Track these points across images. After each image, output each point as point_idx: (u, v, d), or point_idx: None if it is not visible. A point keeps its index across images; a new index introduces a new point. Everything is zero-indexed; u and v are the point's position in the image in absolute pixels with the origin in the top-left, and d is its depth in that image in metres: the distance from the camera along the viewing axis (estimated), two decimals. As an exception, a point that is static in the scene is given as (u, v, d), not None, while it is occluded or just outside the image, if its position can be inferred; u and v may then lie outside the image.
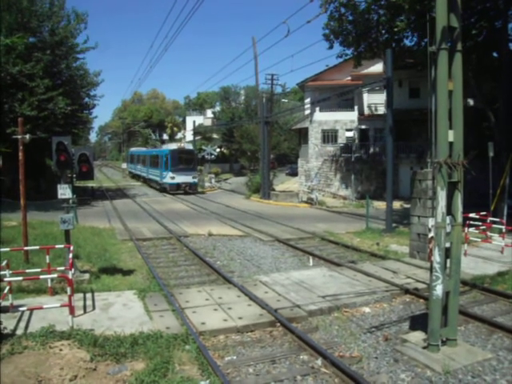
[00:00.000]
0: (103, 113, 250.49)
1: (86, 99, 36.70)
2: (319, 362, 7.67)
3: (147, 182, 52.94)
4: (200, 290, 11.43)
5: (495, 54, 23.82)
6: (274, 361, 7.82)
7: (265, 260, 15.45)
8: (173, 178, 41.39)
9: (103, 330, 8.37)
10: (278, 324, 9.29)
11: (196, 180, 43.31)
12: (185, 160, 42.46)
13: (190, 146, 46.91)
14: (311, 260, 14.82)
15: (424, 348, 8.06)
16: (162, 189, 43.84)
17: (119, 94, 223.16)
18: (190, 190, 41.97)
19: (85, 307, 9.73)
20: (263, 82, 45.05)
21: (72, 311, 8.62)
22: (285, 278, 12.54)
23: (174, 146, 46.00)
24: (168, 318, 9.32)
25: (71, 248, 10.59)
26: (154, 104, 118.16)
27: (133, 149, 76.45)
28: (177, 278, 13.25)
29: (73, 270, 9.68)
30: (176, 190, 41.40)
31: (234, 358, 7.96)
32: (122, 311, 9.66)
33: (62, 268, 10.64)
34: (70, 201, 11.73)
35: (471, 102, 29.05)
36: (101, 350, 7.55)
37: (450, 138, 7.81)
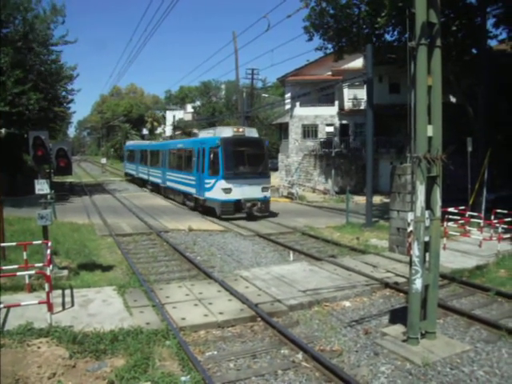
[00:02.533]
0: (82, 107, 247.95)
1: (63, 93, 36.08)
2: (300, 356, 7.69)
3: (164, 191, 33.20)
4: (180, 286, 11.37)
5: (475, 51, 24.08)
6: (255, 355, 7.82)
7: (245, 255, 15.44)
8: (228, 190, 22.51)
9: (82, 327, 8.26)
10: (259, 319, 9.29)
11: (268, 194, 24.06)
12: (249, 157, 23.53)
13: (252, 132, 25.12)
14: (291, 255, 14.85)
15: (404, 341, 8.14)
16: (203, 208, 24.33)
17: (98, 89, 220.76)
18: (258, 211, 22.97)
19: (63, 304, 9.59)
20: (244, 77, 44.94)
21: (50, 308, 8.50)
22: (265, 273, 12.55)
23: (224, 130, 24.40)
24: (148, 314, 9.25)
25: (49, 244, 10.42)
26: (133, 98, 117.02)
27: (131, 142, 58.83)
28: (157, 273, 13.17)
29: (51, 266, 9.53)
30: (233, 212, 22.57)
31: (215, 353, 7.94)
32: (101, 307, 9.56)
33: (40, 264, 10.50)
34: (48, 196, 11.56)
35: (451, 97, 29.35)
36: (80, 347, 7.47)
37: (429, 133, 7.87)
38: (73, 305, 9.66)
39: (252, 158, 23.30)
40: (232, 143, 22.93)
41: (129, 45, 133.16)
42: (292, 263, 14.07)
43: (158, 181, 34.68)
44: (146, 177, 39.91)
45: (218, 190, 22.43)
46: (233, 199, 22.41)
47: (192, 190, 25.61)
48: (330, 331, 8.89)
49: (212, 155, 22.85)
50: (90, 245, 16.08)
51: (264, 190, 23.16)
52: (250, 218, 22.37)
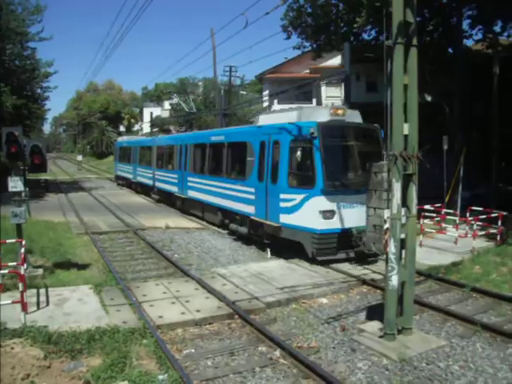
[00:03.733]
0: (57, 103, 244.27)
1: (38, 90, 35.49)
2: (277, 353, 7.72)
3: (182, 204, 23.79)
4: (157, 284, 11.32)
5: (451, 50, 24.37)
6: (233, 353, 7.83)
7: (223, 252, 15.40)
8: (329, 214, 13.27)
9: (58, 327, 8.16)
10: (237, 316, 9.31)
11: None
12: (360, 158, 14.24)
13: (355, 116, 14.86)
14: (269, 252, 14.86)
15: (380, 337, 8.23)
16: (273, 239, 14.89)
17: (73, 84, 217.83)
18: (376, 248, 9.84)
19: (38, 303, 9.46)
20: (222, 74, 44.77)
21: (24, 308, 8.37)
22: (243, 270, 12.55)
23: (314, 111, 14.98)
24: (125, 312, 9.19)
25: (23, 243, 10.24)
26: (111, 95, 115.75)
27: (125, 138, 48.16)
28: (134, 271, 13.07)
29: (25, 265, 9.37)
30: (336, 250, 13.42)
31: (193, 350, 7.93)
32: (77, 306, 9.46)
33: (14, 263, 10.31)
34: (22, 194, 11.37)
35: (427, 96, 29.66)
36: (55, 347, 7.38)
37: (406, 131, 7.95)
38: (48, 304, 9.53)
39: (364, 159, 13.52)
40: (335, 133, 14.05)
41: (105, 40, 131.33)
42: (270, 261, 14.10)
43: (172, 189, 24.97)
44: (149, 182, 30.30)
45: (312, 213, 13.07)
46: (337, 229, 13.11)
47: (246, 209, 15.98)
48: (307, 328, 8.94)
49: (299, 153, 13.73)
50: (66, 243, 15.85)
51: None
52: (361, 257, 13.42)
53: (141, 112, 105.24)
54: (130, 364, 7.01)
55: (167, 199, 26.43)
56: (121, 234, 18.34)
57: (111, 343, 7.63)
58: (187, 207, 23.06)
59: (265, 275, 12.04)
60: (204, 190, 20.14)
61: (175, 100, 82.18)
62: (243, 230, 16.52)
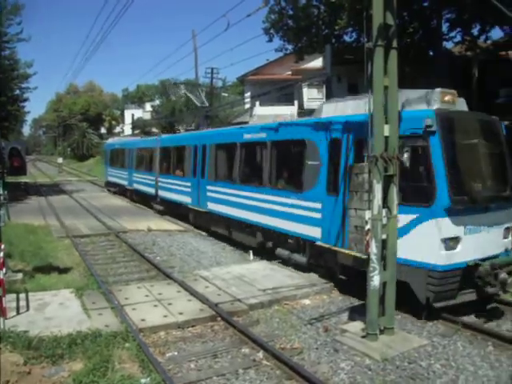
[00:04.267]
0: (37, 105, 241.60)
1: (17, 92, 35.03)
2: (261, 354, 7.72)
3: (199, 218, 19.48)
4: (140, 287, 11.24)
5: (431, 52, 24.67)
6: (216, 355, 7.81)
7: (205, 255, 15.36)
8: (453, 242, 9.11)
9: (39, 332, 8.03)
10: (219, 318, 9.28)
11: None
12: (487, 161, 10.36)
13: (463, 103, 10.34)
14: (251, 254, 14.86)
15: (363, 337, 8.28)
16: (346, 274, 11.14)
17: (53, 86, 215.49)
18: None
19: (18, 308, 9.31)
20: (203, 76, 44.68)
21: (4, 313, 8.25)
22: (225, 273, 12.52)
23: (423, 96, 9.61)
24: (107, 316, 9.11)
25: (2, 246, 10.05)
26: (91, 97, 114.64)
27: (116, 139, 42.98)
28: (116, 274, 12.97)
29: (4, 269, 9.23)
30: (457, 292, 9.27)
31: (176, 353, 7.89)
32: (58, 311, 9.34)
33: (-7, 268, 10.16)
34: (1, 197, 11.20)
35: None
36: (36, 353, 7.27)
37: (386, 133, 8.02)
38: (28, 309, 9.39)
39: (492, 163, 10.50)
40: (460, 127, 9.98)
41: (86, 42, 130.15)
42: (252, 262, 14.10)
43: (183, 199, 20.39)
44: (150, 190, 25.42)
45: (428, 242, 9.22)
46: (462, 263, 9.24)
47: (306, 231, 12.21)
48: (290, 329, 8.95)
49: (405, 156, 9.05)
50: (47, 247, 15.66)
51: (507, 232, 10.25)
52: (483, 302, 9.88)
53: (122, 114, 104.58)
54: (112, 368, 6.94)
55: (174, 211, 22.11)
56: (102, 237, 18.17)
57: (93, 347, 7.54)
58: (204, 222, 18.68)
59: (247, 277, 12.03)
60: (233, 202, 15.86)
61: (157, 102, 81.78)
62: (300, 258, 12.68)
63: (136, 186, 28.79)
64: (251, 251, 14.93)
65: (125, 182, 31.67)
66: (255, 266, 13.48)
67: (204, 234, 18.83)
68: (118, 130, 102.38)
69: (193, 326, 9.01)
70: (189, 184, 19.73)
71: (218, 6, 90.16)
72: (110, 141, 42.08)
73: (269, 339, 8.38)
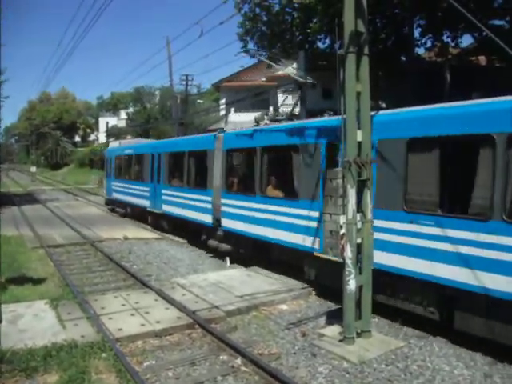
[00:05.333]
0: (8, 113, 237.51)
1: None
2: (239, 361, 7.71)
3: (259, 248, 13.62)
4: (116, 296, 11.12)
5: (404, 58, 25.06)
6: (194, 363, 7.76)
7: (182, 262, 15.30)
8: None
9: (12, 344, 7.87)
10: (197, 326, 9.23)
11: None
12: None
13: None
14: (228, 261, 14.85)
15: (340, 341, 8.33)
16: None
17: (25, 94, 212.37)
18: None
19: (-10, 321, 9.15)
20: (178, 83, 44.57)
21: (-24, 325, 8.08)
22: (202, 280, 12.49)
23: None
24: (83, 326, 8.97)
25: (-26, 258, 9.94)
26: (64, 104, 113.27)
27: (116, 144, 32.46)
28: (92, 284, 12.81)
29: (-24, 281, 9.08)
30: None
31: (153, 362, 7.82)
32: (32, 322, 9.17)
33: (-36, 280, 9.97)
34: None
35: (382, 103, 30.33)
36: (9, 366, 7.12)
37: (359, 138, 8.14)
38: (1, 321, 9.20)
39: None
40: None
41: (57, 49, 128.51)
42: (229, 269, 14.09)
43: (238, 227, 14.11)
44: (172, 210, 19.07)
45: None
46: None
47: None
48: (268, 335, 8.97)
49: None
50: (20, 257, 15.37)
51: None
52: None
53: (97, 122, 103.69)
54: (88, 379, 6.86)
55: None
56: (77, 247, 17.92)
57: (69, 358, 7.43)
58: (271, 253, 13.41)
59: (224, 284, 12.02)
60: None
61: (131, 109, 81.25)
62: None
63: (168, 208, 19.58)
64: (228, 258, 14.92)
65: (144, 203, 22.23)
66: (232, 272, 13.48)
67: (180, 241, 18.76)
68: (92, 137, 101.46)
69: (170, 334, 8.95)
70: (246, 205, 13.82)
71: (192, 13, 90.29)
72: (115, 145, 32.24)
73: (247, 345, 8.37)
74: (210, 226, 15.78)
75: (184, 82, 43.63)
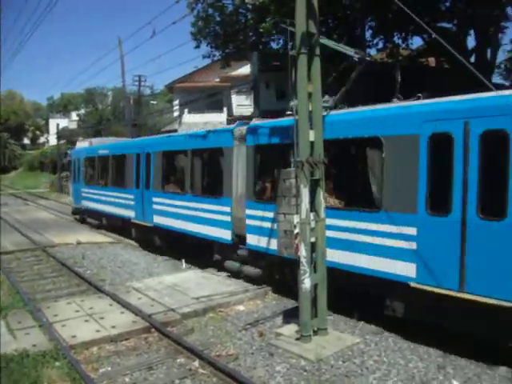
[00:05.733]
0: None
1: None
2: (196, 363, 7.68)
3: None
4: (70, 302, 10.86)
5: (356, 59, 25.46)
6: (151, 367, 7.68)
7: (137, 266, 15.09)
8: None
9: (-42, 358, 7.59)
10: (153, 329, 9.14)
11: None
12: None
13: None
14: (184, 263, 14.76)
15: (297, 339, 8.40)
16: None
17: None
18: None
19: None
20: (131, 84, 43.92)
21: None
22: (158, 283, 12.37)
23: None
24: (34, 335, 8.72)
25: None
26: (11, 106, 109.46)
27: (94, 141, 26.90)
28: (44, 291, 12.43)
29: None
30: None
31: (109, 368, 7.69)
32: (-20, 334, 8.85)
33: None
34: None
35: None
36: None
37: (311, 138, 8.23)
38: None
39: None
40: None
41: (2, 48, 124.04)
42: (185, 271, 14.01)
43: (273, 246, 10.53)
44: (167, 222, 15.66)
45: None
46: None
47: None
48: (225, 336, 8.96)
49: None
50: (-35, 266, 14.80)
51: None
52: None
53: (47, 123, 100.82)
54: (41, 389, 6.69)
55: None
56: (28, 253, 17.36)
57: (19, 369, 7.21)
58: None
59: (180, 286, 11.93)
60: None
61: (82, 111, 79.61)
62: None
63: (160, 220, 16.20)
64: (183, 260, 14.81)
65: (128, 213, 18.72)
66: (188, 274, 13.40)
67: (135, 244, 18.49)
68: (42, 140, 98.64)
69: (126, 339, 8.81)
70: None
71: (144, 13, 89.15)
72: (83, 145, 27.60)
73: (204, 347, 8.34)
74: (227, 244, 12.88)
75: (137, 83, 43.11)
